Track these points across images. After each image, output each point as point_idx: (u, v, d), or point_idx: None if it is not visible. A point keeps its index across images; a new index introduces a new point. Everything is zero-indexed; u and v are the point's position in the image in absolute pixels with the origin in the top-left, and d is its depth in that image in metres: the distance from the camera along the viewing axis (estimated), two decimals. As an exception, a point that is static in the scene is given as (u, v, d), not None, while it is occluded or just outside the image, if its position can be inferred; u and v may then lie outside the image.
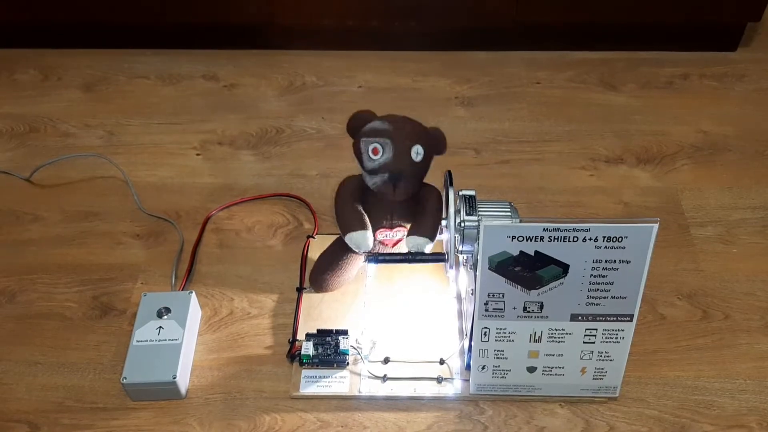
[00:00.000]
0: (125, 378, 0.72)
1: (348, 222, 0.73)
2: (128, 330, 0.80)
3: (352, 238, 0.73)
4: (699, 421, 0.73)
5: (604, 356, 0.70)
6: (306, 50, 1.18)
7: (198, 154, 1.02)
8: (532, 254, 0.63)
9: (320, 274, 0.82)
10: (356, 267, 0.81)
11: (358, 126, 0.73)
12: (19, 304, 0.83)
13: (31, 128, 1.06)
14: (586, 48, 1.17)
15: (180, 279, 0.85)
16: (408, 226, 0.75)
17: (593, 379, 0.72)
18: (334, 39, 1.17)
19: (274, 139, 1.04)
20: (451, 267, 0.72)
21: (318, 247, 0.87)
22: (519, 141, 1.03)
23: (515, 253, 0.63)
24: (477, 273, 0.64)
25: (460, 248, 0.69)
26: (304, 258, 0.87)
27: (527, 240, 0.62)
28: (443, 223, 0.73)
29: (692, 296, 0.83)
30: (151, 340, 0.75)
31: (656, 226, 0.61)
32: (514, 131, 1.04)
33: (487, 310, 0.67)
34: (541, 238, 0.62)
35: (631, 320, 0.67)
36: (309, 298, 0.83)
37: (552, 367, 0.71)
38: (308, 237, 0.89)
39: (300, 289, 0.83)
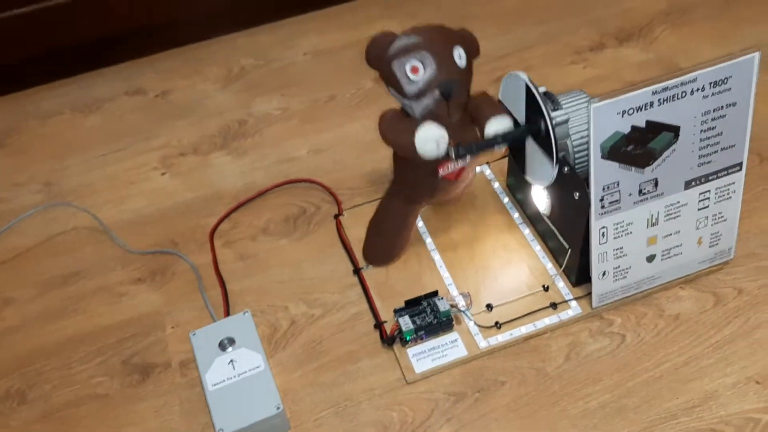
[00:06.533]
0: (222, 430, 0.59)
1: (409, 127, 0.61)
2: (184, 382, 0.66)
3: (423, 137, 0.60)
4: (814, 258, 0.70)
5: (718, 218, 0.65)
6: (231, 33, 1.05)
7: (163, 174, 0.88)
8: (643, 126, 0.57)
9: (377, 245, 0.72)
10: (413, 224, 0.72)
11: (380, 52, 0.63)
12: (35, 402, 0.67)
13: (-53, 208, 0.87)
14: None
15: (219, 306, 0.72)
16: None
17: (709, 246, 0.67)
18: (259, 13, 1.05)
19: (241, 133, 0.92)
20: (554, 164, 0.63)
21: (351, 223, 0.77)
22: (500, 57, 0.96)
23: (626, 130, 0.57)
24: (590, 166, 0.57)
25: (555, 152, 0.61)
26: (343, 238, 0.76)
27: (637, 111, 0.56)
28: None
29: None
30: (228, 379, 0.62)
31: (758, 54, 0.57)
32: (491, 49, 0.97)
33: (603, 207, 0.60)
34: (651, 104, 0.56)
35: (740, 169, 0.63)
36: (372, 277, 0.72)
37: (670, 249, 0.65)
38: (336, 216, 0.79)
39: (357, 270, 0.73)
